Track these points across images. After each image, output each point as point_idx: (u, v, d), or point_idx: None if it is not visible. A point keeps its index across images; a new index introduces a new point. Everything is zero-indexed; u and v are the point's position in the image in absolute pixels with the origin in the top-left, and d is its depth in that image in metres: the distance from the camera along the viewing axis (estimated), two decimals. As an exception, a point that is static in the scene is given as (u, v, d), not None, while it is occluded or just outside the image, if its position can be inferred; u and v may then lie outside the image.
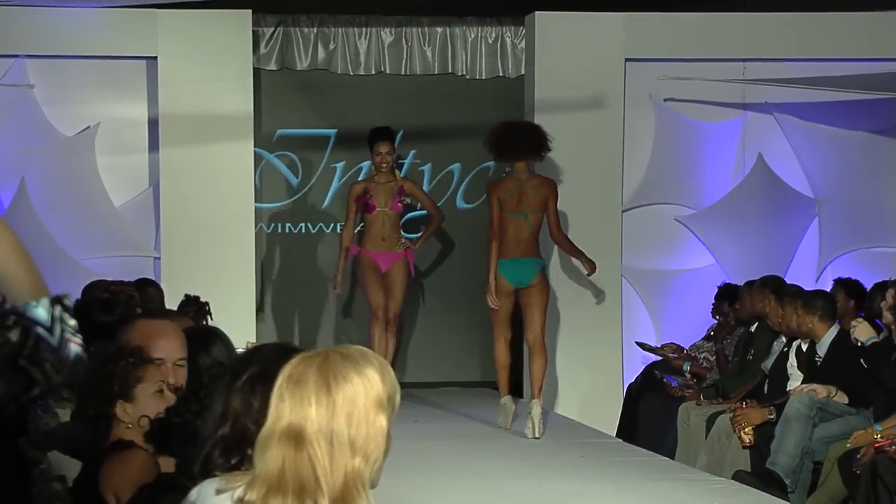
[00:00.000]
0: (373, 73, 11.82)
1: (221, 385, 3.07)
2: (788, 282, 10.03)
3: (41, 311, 2.36)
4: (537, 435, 8.82)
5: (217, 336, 4.14)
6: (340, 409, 2.64)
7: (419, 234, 10.63)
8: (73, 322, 2.39)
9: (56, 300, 2.39)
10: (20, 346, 2.32)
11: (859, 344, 8.04)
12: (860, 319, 8.22)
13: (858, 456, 7.34)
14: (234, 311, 10.19)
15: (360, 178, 10.78)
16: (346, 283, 10.84)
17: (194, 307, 7.43)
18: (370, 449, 2.65)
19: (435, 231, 10.56)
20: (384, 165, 10.14)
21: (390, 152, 10.16)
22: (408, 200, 10.39)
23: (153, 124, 10.74)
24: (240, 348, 4.14)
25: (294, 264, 11.94)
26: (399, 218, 10.31)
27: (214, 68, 10.59)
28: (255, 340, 8.42)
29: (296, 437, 2.62)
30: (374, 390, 2.67)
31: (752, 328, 9.29)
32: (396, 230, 10.24)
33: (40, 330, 2.34)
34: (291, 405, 2.65)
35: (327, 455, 2.62)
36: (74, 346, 2.38)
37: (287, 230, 12.00)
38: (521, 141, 9.35)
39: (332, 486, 2.61)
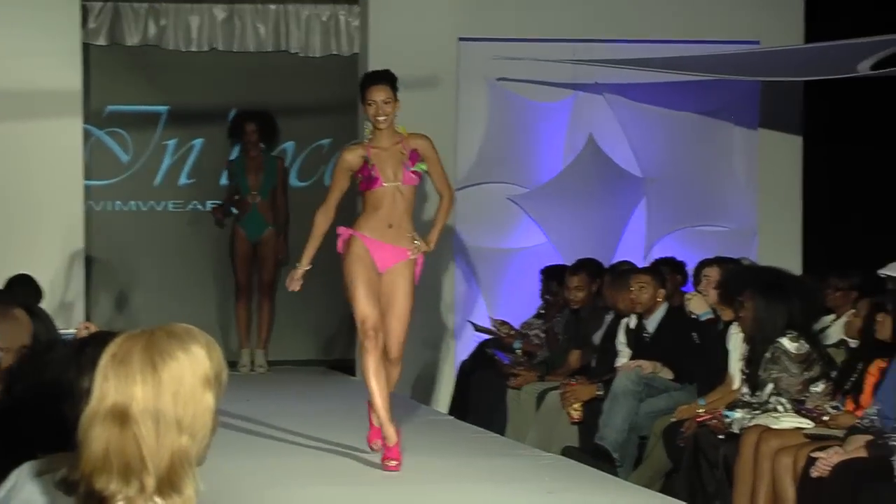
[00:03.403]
0: (205, 49, 11.72)
1: (58, 383, 3.01)
2: (620, 259, 10.22)
3: None
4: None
5: (37, 316, 4.05)
6: (166, 387, 2.61)
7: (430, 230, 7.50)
8: None
9: None
10: None
11: (694, 317, 8.24)
12: (694, 293, 8.42)
13: (682, 429, 7.51)
14: (62, 290, 10.03)
15: (353, 144, 7.61)
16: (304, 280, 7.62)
17: (24, 287, 7.32)
18: (197, 427, 2.63)
19: (447, 217, 7.55)
20: (381, 119, 7.18)
21: (389, 100, 7.19)
22: (423, 168, 7.27)
23: (-23, 99, 10.49)
24: (70, 329, 4.07)
25: (124, 242, 11.79)
26: (414, 195, 7.36)
27: (41, 42, 10.36)
28: (88, 322, 8.24)
29: (121, 417, 2.59)
30: (201, 368, 2.65)
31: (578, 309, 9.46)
32: (409, 214, 7.28)
33: None
34: (116, 384, 2.62)
35: (153, 434, 2.59)
36: None
37: (117, 208, 11.84)
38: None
39: (158, 465, 2.59)
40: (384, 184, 7.17)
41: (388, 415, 7.06)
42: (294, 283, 7.35)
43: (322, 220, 7.32)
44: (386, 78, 7.28)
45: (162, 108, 11.86)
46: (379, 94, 7.19)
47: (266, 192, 11.32)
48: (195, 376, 2.63)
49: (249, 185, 11.30)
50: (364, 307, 7.12)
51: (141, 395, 2.59)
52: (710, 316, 8.20)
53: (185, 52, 11.69)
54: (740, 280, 7.77)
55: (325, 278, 11.92)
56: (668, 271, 9.04)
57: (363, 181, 7.21)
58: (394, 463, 7.01)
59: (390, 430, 7.05)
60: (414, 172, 7.21)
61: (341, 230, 7.33)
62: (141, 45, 11.64)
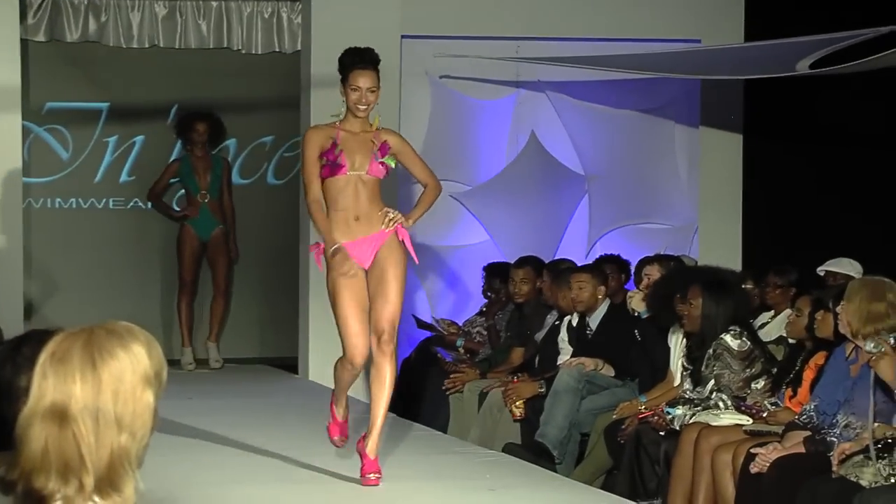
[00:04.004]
0: (146, 46, 11.65)
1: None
2: (560, 258, 10.27)
3: None
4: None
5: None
6: (106, 385, 2.60)
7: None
8: None
9: None
10: None
11: (636, 314, 8.29)
12: (637, 291, 8.48)
13: (623, 427, 7.55)
14: (1, 289, 9.94)
15: (319, 124, 6.98)
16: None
17: None
18: (137, 426, 2.62)
19: (431, 205, 6.89)
20: (363, 107, 6.61)
21: (375, 88, 6.63)
22: (392, 163, 6.67)
23: (-86, 95, 10.36)
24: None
25: (65, 240, 11.70)
26: (379, 188, 6.69)
27: (-21, 38, 10.26)
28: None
29: (60, 416, 2.58)
30: (141, 366, 2.64)
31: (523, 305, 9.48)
32: (376, 202, 6.62)
33: None
34: (55, 382, 2.60)
35: (92, 433, 2.58)
36: None
37: (58, 205, 11.76)
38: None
39: (97, 464, 2.57)
40: (348, 172, 6.54)
41: (345, 411, 6.97)
42: (345, 263, 6.45)
43: (317, 206, 6.53)
44: (373, 62, 6.68)
45: (102, 105, 11.77)
46: (366, 81, 6.62)
47: (216, 192, 11.31)
48: (135, 374, 2.62)
49: (199, 185, 11.28)
50: (352, 339, 6.52)
51: (80, 394, 2.58)
52: (650, 314, 8.25)
53: (126, 48, 11.61)
54: (683, 278, 7.83)
55: (266, 276, 11.95)
56: (612, 269, 9.09)
57: (326, 166, 6.55)
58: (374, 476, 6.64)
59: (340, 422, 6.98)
60: (381, 164, 6.59)
61: (313, 248, 6.78)
62: (81, 42, 11.55)
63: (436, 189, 6.78)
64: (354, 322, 6.50)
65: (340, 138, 6.57)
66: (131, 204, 11.85)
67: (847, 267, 8.32)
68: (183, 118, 11.53)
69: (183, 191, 11.51)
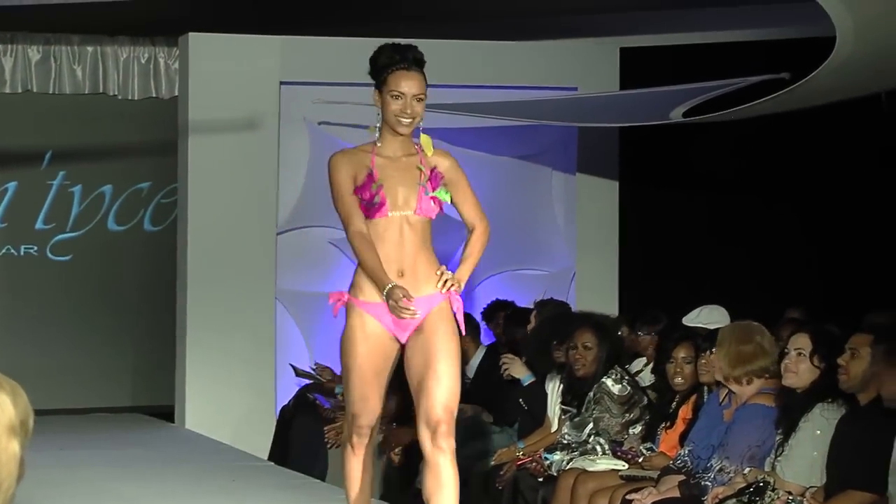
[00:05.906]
0: (19, 91, 11.50)
1: None
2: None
3: None
4: None
5: None
6: (-31, 436, 2.55)
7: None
8: None
9: None
10: None
11: (511, 379, 8.11)
12: (512, 357, 8.25)
13: (501, 472, 7.56)
14: None
15: (345, 149, 5.41)
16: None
17: None
18: (2, 476, 2.57)
19: (481, 255, 5.37)
20: (406, 121, 5.20)
21: (422, 95, 5.23)
22: (446, 197, 5.30)
23: None
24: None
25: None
26: (429, 230, 5.27)
27: None
28: None
29: (-80, 467, 2.52)
30: (6, 415, 2.59)
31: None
32: (425, 254, 5.24)
33: None
34: (-84, 434, 2.54)
35: (-45, 485, 2.52)
36: None
37: (-75, 253, 11.57)
38: None
39: (-41, 517, 2.52)
40: (389, 213, 5.11)
41: None
42: (406, 308, 4.98)
43: (363, 241, 5.10)
44: (419, 63, 5.25)
45: (-26, 151, 11.62)
46: (411, 85, 5.19)
47: None
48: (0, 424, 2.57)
49: None
50: (357, 405, 5.13)
51: (-58, 445, 2.52)
52: (532, 380, 7.99)
53: (-1, 93, 11.48)
54: (562, 324, 7.86)
55: (140, 323, 11.80)
56: (503, 315, 9.14)
57: (360, 205, 5.10)
58: None
59: None
60: (433, 199, 5.18)
61: (335, 296, 5.38)
62: (-49, 87, 11.40)
63: (485, 234, 5.34)
64: (359, 391, 5.15)
65: (377, 167, 5.11)
66: (3, 251, 11.66)
67: (715, 315, 8.36)
68: None
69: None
